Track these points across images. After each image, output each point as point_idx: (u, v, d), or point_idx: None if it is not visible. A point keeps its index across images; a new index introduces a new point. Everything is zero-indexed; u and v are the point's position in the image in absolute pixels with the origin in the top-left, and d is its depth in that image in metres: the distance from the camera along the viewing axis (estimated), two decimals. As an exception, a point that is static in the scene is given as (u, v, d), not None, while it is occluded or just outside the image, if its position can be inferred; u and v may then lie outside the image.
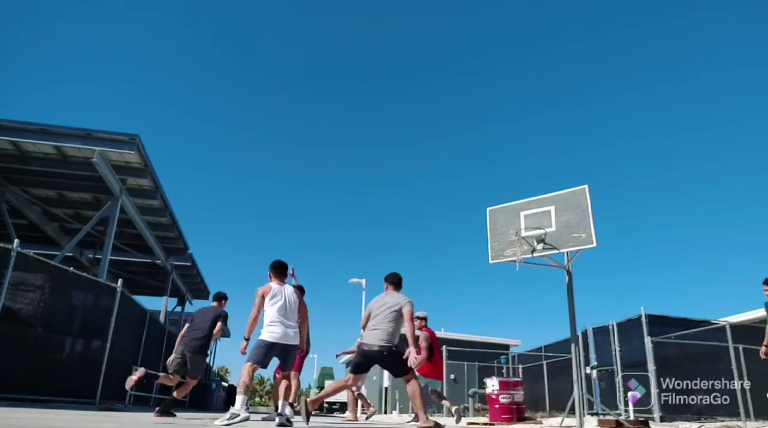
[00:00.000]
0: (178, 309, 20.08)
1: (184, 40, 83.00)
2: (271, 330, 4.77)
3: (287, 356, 4.92)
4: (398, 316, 4.72)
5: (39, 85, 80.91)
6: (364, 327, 5.00)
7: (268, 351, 4.74)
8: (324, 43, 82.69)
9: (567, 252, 6.52)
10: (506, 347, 25.03)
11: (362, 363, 4.87)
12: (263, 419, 6.44)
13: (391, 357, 4.65)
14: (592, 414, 8.85)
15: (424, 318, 7.61)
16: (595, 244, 6.32)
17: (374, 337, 4.67)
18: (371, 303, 5.12)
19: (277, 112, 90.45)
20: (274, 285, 5.00)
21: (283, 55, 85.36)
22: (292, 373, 5.49)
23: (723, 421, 7.82)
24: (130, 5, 75.65)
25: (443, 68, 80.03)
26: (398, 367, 4.65)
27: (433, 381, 7.47)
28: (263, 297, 4.89)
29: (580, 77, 76.84)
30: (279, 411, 5.04)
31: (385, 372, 26.62)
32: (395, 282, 5.10)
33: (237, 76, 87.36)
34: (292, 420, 5.07)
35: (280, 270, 5.13)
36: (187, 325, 6.44)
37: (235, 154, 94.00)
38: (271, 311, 4.83)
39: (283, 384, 5.37)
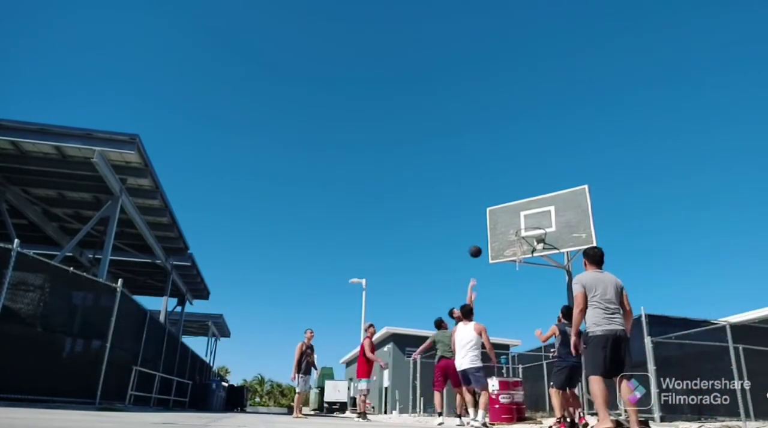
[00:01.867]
0: (178, 309, 20.04)
1: (185, 40, 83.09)
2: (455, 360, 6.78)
3: (464, 376, 6.66)
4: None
5: (39, 85, 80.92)
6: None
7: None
8: (325, 44, 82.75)
9: (567, 252, 6.54)
10: (506, 347, 25.01)
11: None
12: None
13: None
14: (592, 414, 8.84)
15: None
16: (595, 244, 6.31)
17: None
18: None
19: (277, 113, 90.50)
20: (459, 325, 6.82)
21: (285, 57, 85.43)
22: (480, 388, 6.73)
23: (723, 421, 7.81)
24: (130, 6, 75.63)
25: (443, 70, 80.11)
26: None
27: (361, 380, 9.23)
28: (451, 336, 7.04)
29: (580, 78, 76.86)
30: (473, 417, 6.51)
31: (386, 372, 26.66)
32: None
33: (238, 76, 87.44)
34: (487, 424, 6.50)
35: (463, 313, 6.84)
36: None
37: (235, 154, 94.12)
38: (456, 346, 6.72)
39: (468, 396, 6.87)
